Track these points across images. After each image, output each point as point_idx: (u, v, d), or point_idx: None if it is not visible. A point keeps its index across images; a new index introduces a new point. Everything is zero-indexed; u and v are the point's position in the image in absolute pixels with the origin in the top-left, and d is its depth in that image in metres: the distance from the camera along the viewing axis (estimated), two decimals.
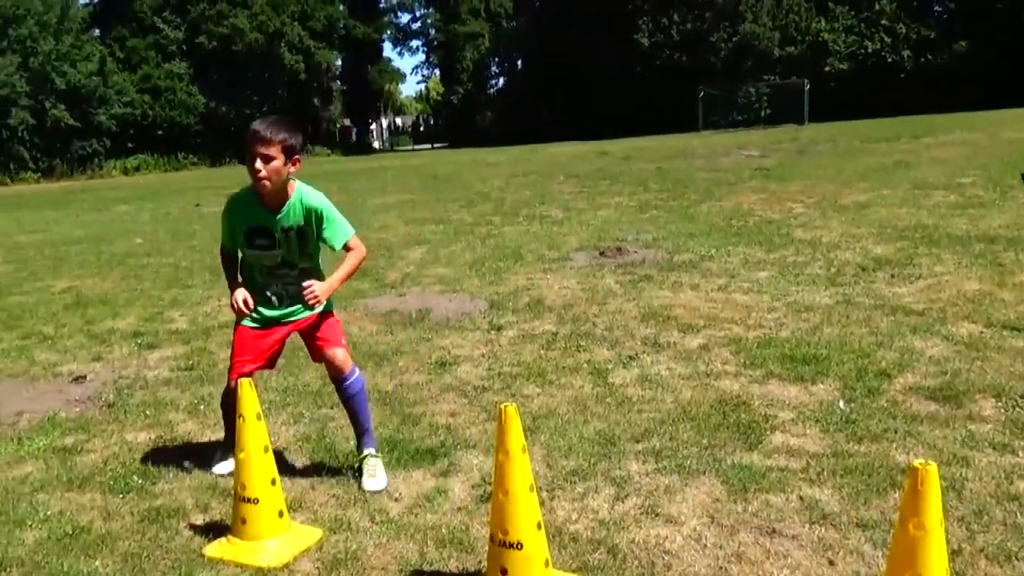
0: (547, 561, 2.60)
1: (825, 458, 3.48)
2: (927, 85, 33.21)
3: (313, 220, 3.42)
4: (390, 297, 7.07)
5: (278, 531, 2.98)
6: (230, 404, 3.53)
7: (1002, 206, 9.25)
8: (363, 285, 7.60)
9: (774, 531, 2.96)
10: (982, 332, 4.93)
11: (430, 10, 58.66)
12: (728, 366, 4.70)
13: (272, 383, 4.92)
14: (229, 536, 3.04)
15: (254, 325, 3.58)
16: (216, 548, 3.00)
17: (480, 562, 2.80)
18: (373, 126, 64.12)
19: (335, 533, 3.11)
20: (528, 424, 4.02)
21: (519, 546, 2.52)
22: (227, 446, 3.64)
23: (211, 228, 12.91)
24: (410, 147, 58.96)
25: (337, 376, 3.59)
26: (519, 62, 53.78)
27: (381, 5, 59.28)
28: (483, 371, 4.92)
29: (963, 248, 7.21)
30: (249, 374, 3.52)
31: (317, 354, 3.64)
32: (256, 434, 2.96)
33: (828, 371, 4.47)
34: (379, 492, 3.42)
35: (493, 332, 5.75)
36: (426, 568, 2.85)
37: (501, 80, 57.06)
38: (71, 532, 3.24)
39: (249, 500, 2.94)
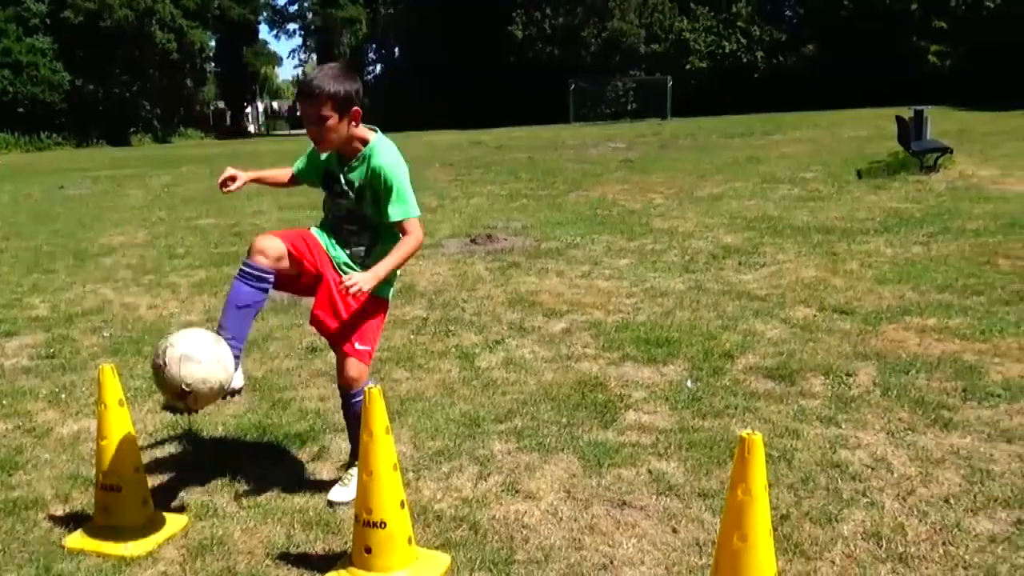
0: (410, 539, 2.64)
1: (673, 433, 3.65)
2: (778, 85, 34.74)
3: (373, 182, 2.96)
4: None
5: (142, 519, 2.91)
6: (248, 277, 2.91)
7: (839, 199, 9.82)
8: (234, 270, 7.39)
9: (624, 503, 3.09)
10: (815, 315, 5.25)
11: None
12: (588, 349, 4.85)
13: (138, 370, 4.77)
14: (91, 525, 2.95)
15: (321, 237, 3.10)
16: (77, 539, 2.91)
17: (346, 542, 2.82)
18: (248, 110, 62.18)
19: (201, 519, 3.06)
20: (396, 407, 4.05)
21: (383, 525, 2.55)
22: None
23: (76, 211, 12.30)
24: (286, 132, 57.43)
25: (344, 388, 3.11)
26: (397, 50, 53.19)
27: None
28: None
29: (803, 238, 7.63)
30: (281, 257, 2.93)
31: (333, 339, 3.10)
32: (119, 421, 2.88)
33: (678, 353, 4.67)
34: (343, 504, 3.07)
35: None
36: (292, 551, 2.85)
37: (379, 67, 56.31)
38: None
39: (112, 488, 2.86)
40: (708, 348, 4.71)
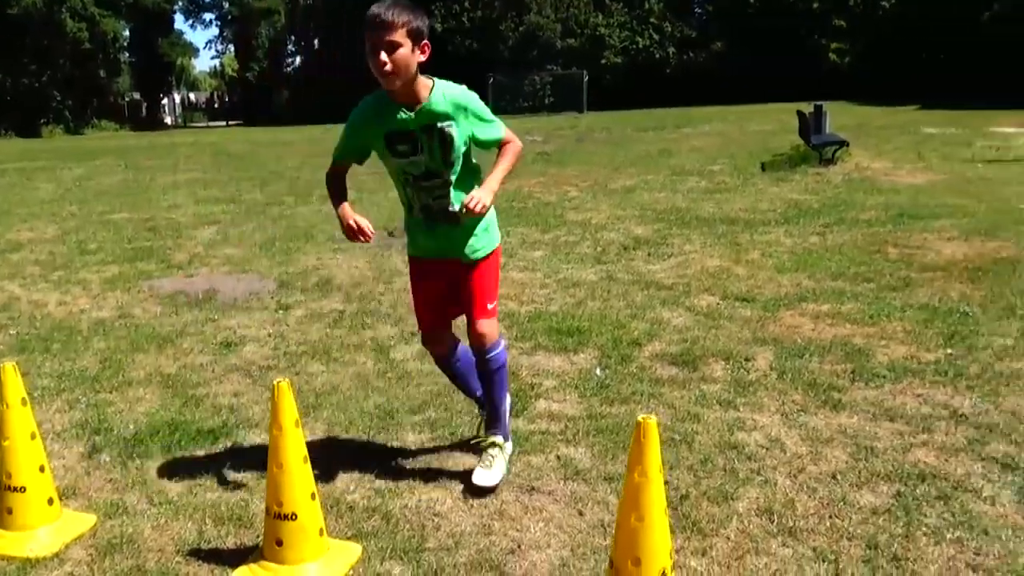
0: (322, 530, 2.64)
1: (581, 420, 3.72)
2: (689, 80, 35.40)
3: (461, 118, 2.84)
4: (177, 278, 6.77)
5: (48, 519, 2.84)
6: (444, 367, 3.33)
7: (743, 191, 10.09)
8: (149, 266, 7.24)
9: (533, 488, 3.14)
10: (718, 303, 5.41)
11: None
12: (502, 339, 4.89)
13: (46, 368, 4.62)
14: None
15: (417, 254, 3.12)
16: None
17: (258, 536, 2.80)
18: (165, 101, 60.35)
19: (111, 518, 2.99)
20: (311, 401, 4.03)
21: (294, 517, 2.54)
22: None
23: None
24: (204, 124, 55.94)
25: (477, 348, 3.10)
26: (316, 41, 52.25)
27: None
28: (268, 351, 4.84)
29: (708, 229, 7.83)
30: (444, 325, 3.21)
31: (463, 312, 3.15)
32: (22, 421, 2.79)
33: (588, 342, 4.76)
34: (489, 488, 3.04)
35: (280, 312, 5.66)
36: (204, 546, 2.81)
37: (298, 59, 55.27)
38: None
39: (15, 489, 2.78)
40: (617, 337, 4.81)
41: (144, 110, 54.02)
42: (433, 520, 2.94)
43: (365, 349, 4.82)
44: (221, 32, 60.61)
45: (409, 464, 3.37)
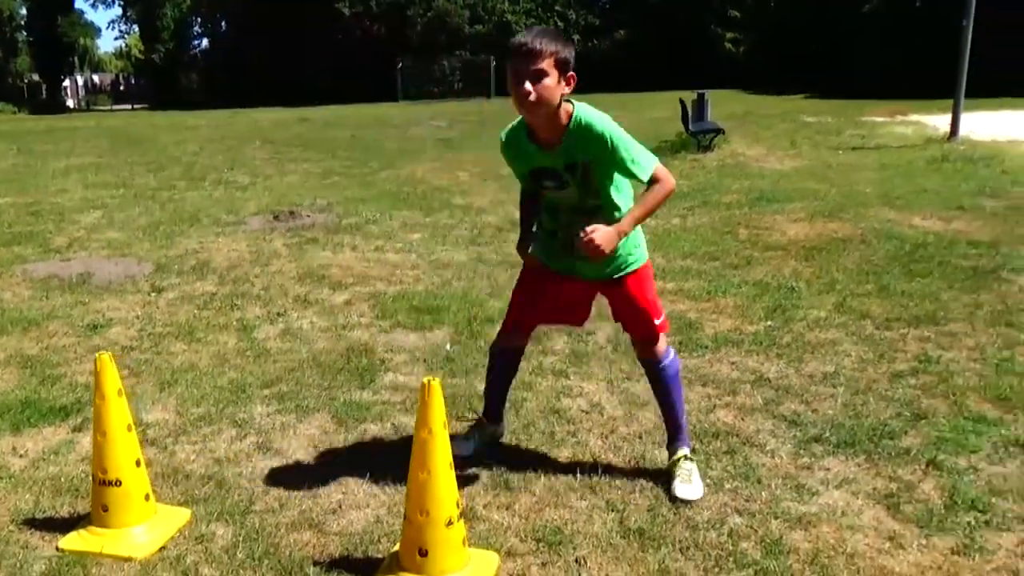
0: (148, 495, 2.77)
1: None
2: (593, 67, 35.81)
3: (599, 152, 2.65)
4: (53, 262, 6.69)
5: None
6: (497, 357, 3.23)
7: None
8: (25, 250, 7.11)
9: (364, 454, 3.33)
10: None
11: None
12: (364, 318, 5.05)
13: None
14: None
15: (549, 264, 2.93)
16: None
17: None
18: (67, 83, 57.87)
19: None
20: (167, 378, 4.13)
21: (118, 483, 2.67)
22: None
23: None
24: (109, 107, 53.91)
25: (647, 359, 3.02)
26: (223, 23, 50.85)
27: None
28: (134, 332, 4.89)
29: None
30: (531, 325, 3.12)
31: (631, 334, 3.04)
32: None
33: (445, 319, 4.95)
34: (695, 501, 2.89)
35: (153, 294, 5.68)
36: (39, 516, 2.91)
37: (205, 41, 53.71)
38: None
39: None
40: (473, 314, 5.02)
41: (44, 92, 51.73)
42: (263, 486, 3.09)
43: (230, 329, 4.91)
44: (124, 12, 58.30)
45: (252, 435, 3.52)
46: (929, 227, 6.81)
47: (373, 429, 3.55)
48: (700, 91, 13.45)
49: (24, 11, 49.63)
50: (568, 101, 2.67)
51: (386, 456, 3.29)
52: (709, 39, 34.72)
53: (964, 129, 12.41)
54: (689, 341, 4.47)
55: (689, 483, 2.95)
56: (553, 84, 2.56)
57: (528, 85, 2.53)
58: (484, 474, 3.12)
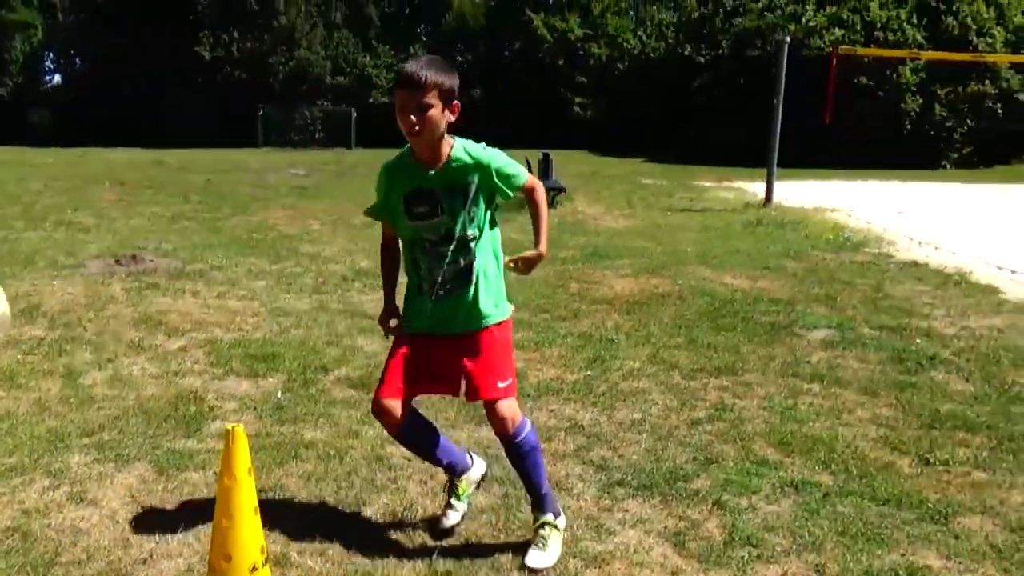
0: None
1: (249, 439, 3.83)
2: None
3: (483, 172, 2.72)
4: None
5: None
6: (400, 438, 3.00)
7: None
8: None
9: (183, 503, 3.25)
10: None
11: None
12: (197, 365, 4.92)
13: None
14: None
15: (417, 330, 2.87)
16: None
17: None
18: None
19: None
20: None
21: None
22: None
23: None
24: None
25: (500, 433, 2.85)
26: (78, 60, 48.40)
27: None
28: None
29: None
30: (407, 398, 2.86)
31: (473, 393, 2.86)
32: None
33: (280, 367, 4.90)
34: (542, 570, 2.80)
35: None
36: None
37: (58, 77, 50.89)
38: None
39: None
40: (308, 362, 4.99)
41: None
42: (73, 537, 2.97)
43: (55, 375, 4.67)
44: None
45: (66, 484, 3.36)
46: (737, 285, 7.32)
47: (195, 477, 3.46)
48: (545, 151, 13.95)
49: None
50: (452, 136, 2.76)
51: (205, 505, 3.22)
52: (559, 101, 36.05)
53: (777, 196, 13.44)
54: None
55: (544, 551, 2.86)
56: (438, 114, 2.62)
57: (413, 117, 2.60)
58: (303, 519, 3.11)
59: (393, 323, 2.92)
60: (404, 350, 2.88)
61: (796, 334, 5.82)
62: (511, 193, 2.81)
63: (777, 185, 13.53)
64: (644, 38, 35.62)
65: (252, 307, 6.36)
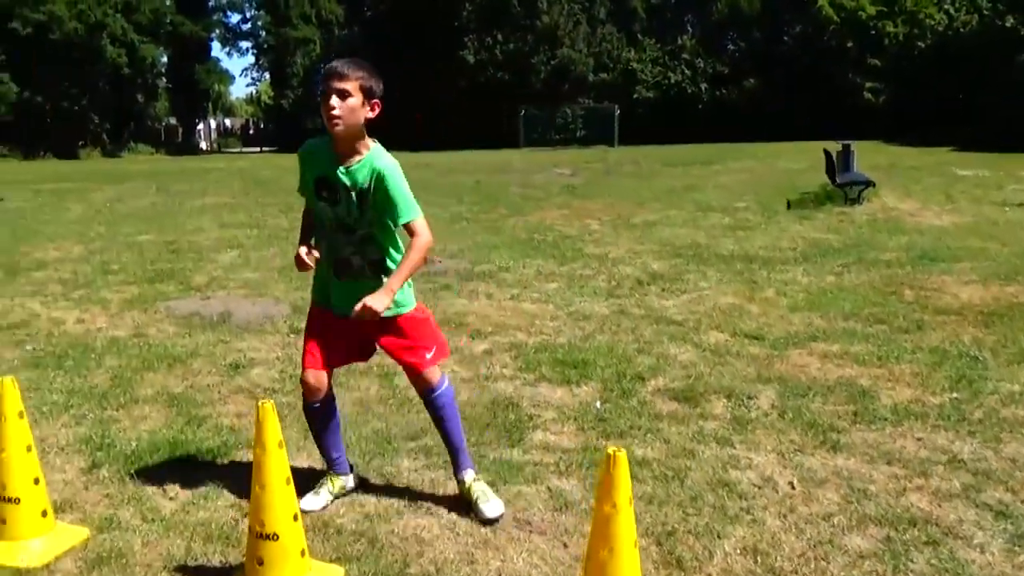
0: (303, 551, 2.69)
1: (576, 453, 3.75)
2: (721, 116, 35.53)
3: (377, 185, 2.95)
4: (194, 300, 6.91)
5: (41, 531, 2.92)
6: (313, 412, 3.26)
7: (765, 229, 10.09)
8: (168, 288, 7.39)
9: (521, 519, 3.17)
10: (727, 340, 5.42)
11: (261, 12, 56.81)
12: (506, 370, 4.94)
13: (57, 384, 4.75)
14: None
15: (323, 304, 3.18)
16: None
17: (243, 555, 2.86)
18: (201, 126, 61.45)
19: (103, 532, 3.07)
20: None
21: (275, 537, 2.60)
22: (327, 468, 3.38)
23: (12, 224, 12.08)
24: (238, 149, 56.86)
25: (422, 391, 3.27)
26: None
27: (210, 3, 56.78)
28: (275, 373, 4.93)
29: (726, 266, 7.84)
30: (324, 367, 3.17)
31: (400, 363, 3.26)
32: (18, 433, 2.88)
33: (592, 375, 4.78)
34: (500, 517, 3.14)
35: (292, 336, 5.75)
36: (191, 563, 2.88)
37: None
38: None
39: (10, 500, 2.86)
40: (621, 370, 4.83)
41: (180, 135, 55.04)
42: (418, 547, 2.98)
43: (371, 375, 4.86)
44: (257, 60, 61.72)
45: (401, 490, 3.42)
46: None
47: (527, 491, 3.38)
48: (845, 142, 12.97)
49: (165, 58, 53.09)
50: (374, 140, 3.03)
51: (544, 522, 3.13)
52: (847, 88, 33.83)
53: None
54: (865, 411, 4.15)
55: (488, 501, 3.17)
56: (357, 105, 2.91)
57: (334, 101, 2.87)
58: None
59: (303, 250, 3.04)
60: (321, 328, 3.18)
61: None
62: (393, 220, 2.99)
63: None
64: (952, 11, 32.48)
65: (548, 310, 6.36)
